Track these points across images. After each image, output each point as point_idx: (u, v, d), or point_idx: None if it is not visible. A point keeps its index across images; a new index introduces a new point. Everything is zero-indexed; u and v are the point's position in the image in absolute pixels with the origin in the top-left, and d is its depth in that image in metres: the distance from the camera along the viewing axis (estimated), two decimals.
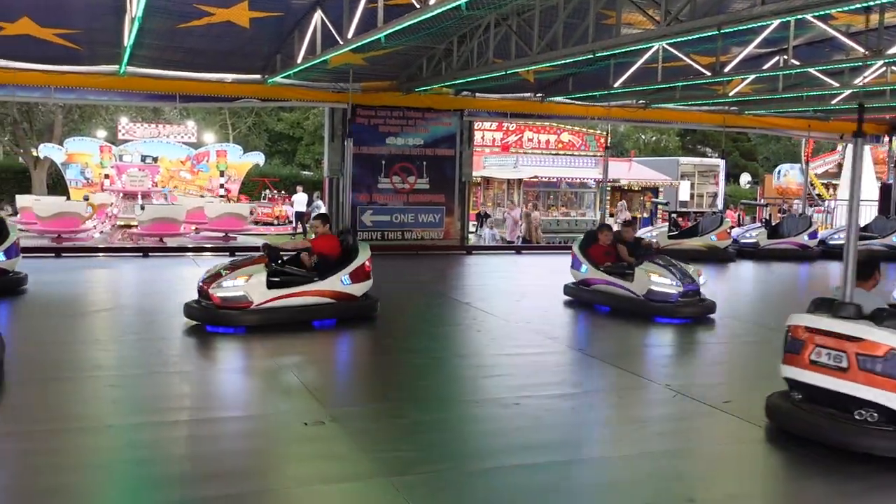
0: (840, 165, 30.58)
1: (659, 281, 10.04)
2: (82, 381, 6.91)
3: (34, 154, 33.20)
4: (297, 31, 12.85)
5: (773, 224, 18.90)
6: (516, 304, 11.37)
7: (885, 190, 21.74)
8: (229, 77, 15.58)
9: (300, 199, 26.99)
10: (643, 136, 52.66)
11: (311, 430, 5.66)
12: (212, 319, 8.52)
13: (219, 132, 40.73)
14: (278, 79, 14.98)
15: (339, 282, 9.03)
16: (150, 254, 16.02)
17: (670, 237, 17.49)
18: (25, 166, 34.87)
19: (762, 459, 5.59)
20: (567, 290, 11.33)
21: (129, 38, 11.44)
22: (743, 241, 18.25)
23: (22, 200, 23.08)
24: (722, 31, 9.28)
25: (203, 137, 34.59)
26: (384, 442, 5.56)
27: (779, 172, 34.43)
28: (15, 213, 23.49)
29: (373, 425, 5.91)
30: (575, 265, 11.19)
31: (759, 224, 19.94)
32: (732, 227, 19.07)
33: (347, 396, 6.87)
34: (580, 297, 11.03)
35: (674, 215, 20.40)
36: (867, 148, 27.14)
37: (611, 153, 31.46)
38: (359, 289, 9.23)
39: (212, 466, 5.02)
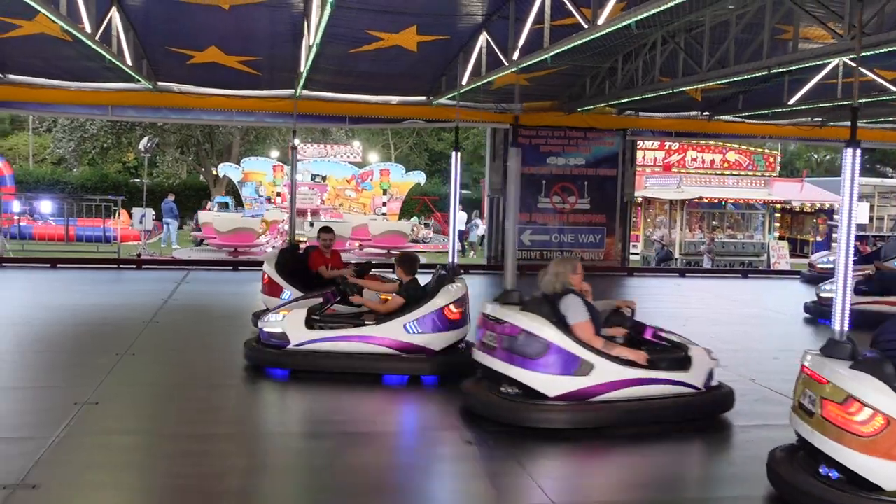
0: None
1: None
2: (252, 388, 7.29)
3: (214, 173, 35.52)
4: (462, 54, 13.08)
5: None
6: (687, 329, 11.02)
7: None
8: (395, 99, 16.07)
9: (460, 218, 27.33)
10: (815, 155, 49.97)
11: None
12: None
13: (381, 151, 42.05)
14: (443, 100, 15.30)
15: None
16: None
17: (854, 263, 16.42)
18: (206, 184, 37.36)
19: None
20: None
21: (305, 64, 12.01)
22: None
23: (204, 216, 24.66)
24: None
25: (367, 157, 35.78)
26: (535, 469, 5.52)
27: None
28: (198, 228, 25.11)
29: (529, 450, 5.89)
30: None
31: None
32: None
33: None
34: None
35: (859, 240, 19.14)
36: None
37: (781, 173, 30.23)
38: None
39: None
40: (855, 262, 16.21)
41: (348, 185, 32.18)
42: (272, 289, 9.14)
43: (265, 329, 7.49)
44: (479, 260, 21.86)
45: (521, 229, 17.08)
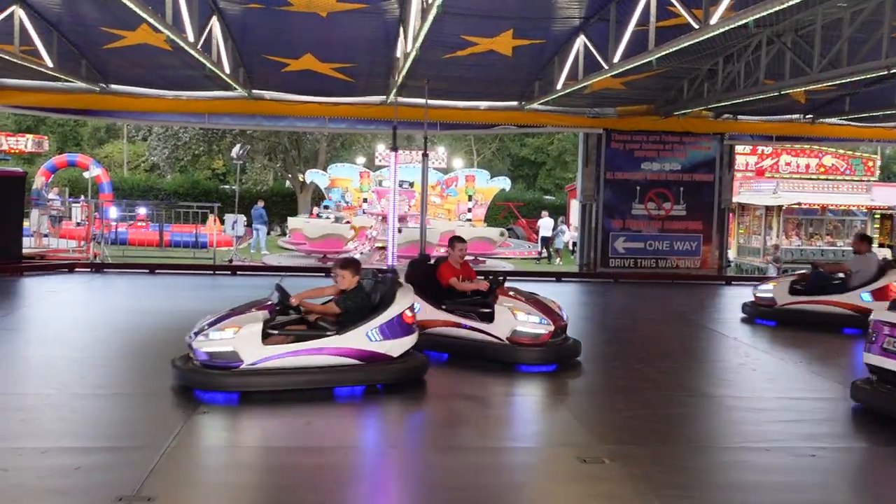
0: None
1: None
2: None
3: (301, 179, 36.05)
4: (556, 58, 12.85)
5: None
6: (788, 341, 10.56)
7: None
8: (487, 104, 15.91)
9: (546, 224, 27.08)
10: None
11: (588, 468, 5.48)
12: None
13: (464, 157, 42.03)
14: (535, 105, 15.08)
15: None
16: None
17: None
18: (292, 190, 37.95)
19: None
20: None
21: (400, 71, 11.98)
22: None
23: (293, 222, 24.99)
24: None
25: (452, 163, 35.79)
26: (668, 487, 5.25)
27: None
28: (284, 234, 25.48)
29: (653, 468, 5.62)
30: None
31: None
32: None
33: (625, 434, 6.61)
34: None
35: None
36: None
37: (877, 178, 28.96)
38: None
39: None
40: None
41: (433, 192, 32.23)
42: None
43: (205, 349, 6.56)
44: (568, 266, 21.52)
45: (615, 236, 16.71)
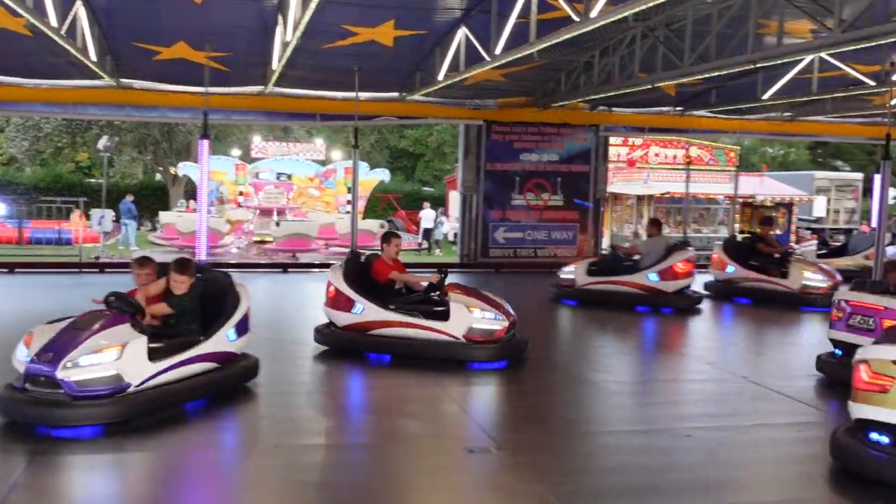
0: None
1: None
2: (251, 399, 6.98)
3: (172, 172, 34.76)
4: (438, 49, 12.85)
5: None
6: (666, 326, 10.97)
7: None
8: (367, 95, 15.72)
9: (427, 216, 27.13)
10: (770, 150, 50.61)
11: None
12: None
13: (343, 149, 41.60)
14: (416, 96, 15.04)
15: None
16: (289, 269, 16.34)
17: (819, 256, 16.57)
18: (164, 183, 36.55)
19: None
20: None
21: (279, 60, 11.69)
22: None
23: (165, 217, 24.06)
24: None
25: (330, 155, 35.34)
26: (554, 474, 5.33)
27: None
28: (155, 229, 24.52)
29: (539, 455, 5.69)
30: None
31: None
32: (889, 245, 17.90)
33: (511, 422, 6.67)
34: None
35: (822, 233, 19.30)
36: None
37: (739, 168, 30.53)
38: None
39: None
40: (824, 255, 16.46)
41: (311, 184, 31.72)
42: (342, 302, 8.28)
43: (74, 378, 5.54)
44: (449, 257, 21.63)
45: (495, 227, 16.91)
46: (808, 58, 12.55)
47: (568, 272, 12.43)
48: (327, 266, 17.06)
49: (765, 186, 30.72)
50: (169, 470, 5.27)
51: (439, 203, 32.69)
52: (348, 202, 30.32)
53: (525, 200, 17.01)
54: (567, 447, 5.95)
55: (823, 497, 5.15)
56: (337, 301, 8.29)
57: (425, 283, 8.32)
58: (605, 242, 26.97)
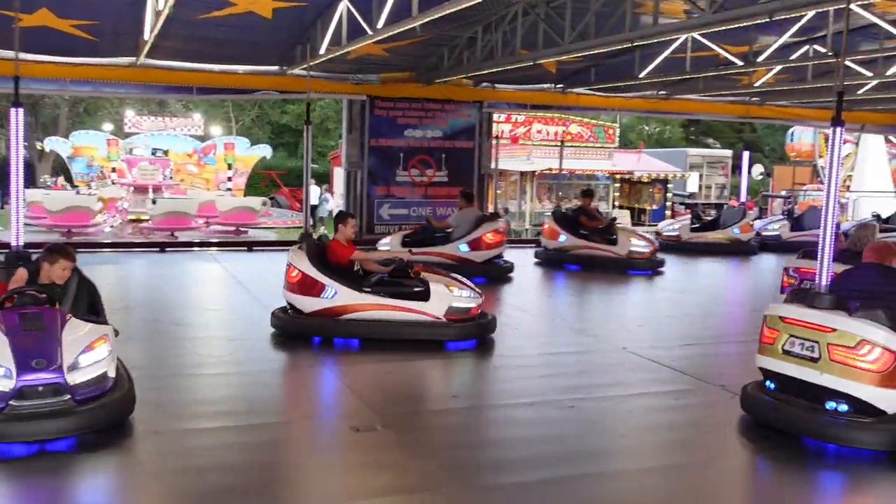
0: (849, 156, 30.25)
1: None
2: None
3: (39, 147, 32.94)
4: (319, 22, 12.56)
5: (795, 216, 18.67)
6: (549, 300, 11.18)
7: None
8: (246, 69, 15.27)
9: (313, 193, 26.73)
10: (647, 128, 52.31)
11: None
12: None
13: (222, 125, 40.42)
14: (297, 70, 14.69)
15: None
16: (167, 249, 15.76)
17: (693, 230, 17.26)
18: (29, 160, 34.57)
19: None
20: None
21: (151, 30, 11.15)
22: (765, 233, 18.01)
23: (32, 195, 22.75)
24: (772, 20, 9.00)
25: (209, 130, 34.30)
26: (439, 449, 5.34)
27: (791, 135, 34.11)
28: None
29: (425, 433, 5.69)
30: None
31: (781, 216, 19.70)
32: (756, 219, 18.83)
33: (397, 401, 6.63)
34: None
35: (695, 208, 20.09)
36: (880, 138, 26.89)
37: (617, 145, 31.44)
38: None
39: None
40: (697, 229, 17.15)
41: (189, 160, 30.71)
42: (309, 287, 7.95)
43: (79, 381, 5.11)
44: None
45: (380, 203, 16.78)
46: (682, 38, 12.93)
47: (384, 244, 12.77)
48: (208, 245, 16.78)
49: (642, 163, 31.77)
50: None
51: (324, 180, 32.24)
52: (229, 179, 29.59)
53: (410, 177, 16.94)
54: (453, 422, 5.96)
55: (699, 461, 5.34)
56: (303, 285, 7.97)
57: (390, 264, 8.23)
58: None
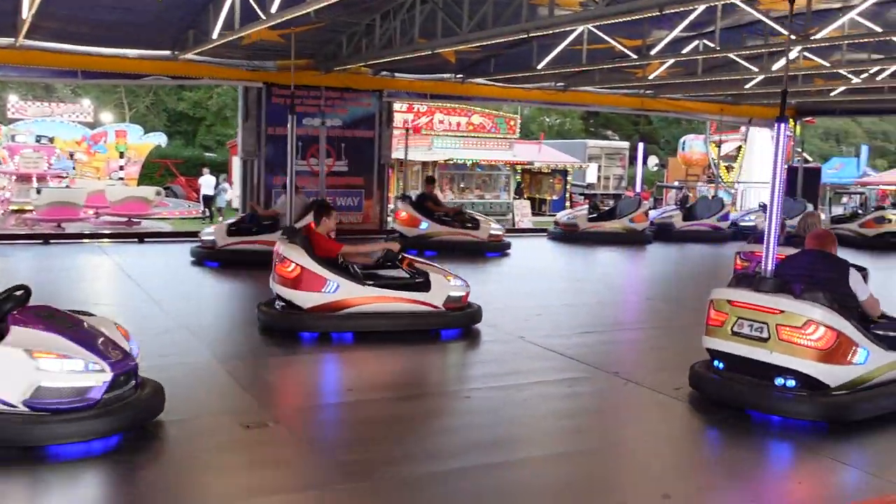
0: (740, 148, 31.43)
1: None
2: None
3: None
4: (212, 5, 12.15)
5: (688, 206, 19.25)
6: None
7: (790, 173, 22.42)
8: (136, 53, 14.67)
9: (207, 182, 26.05)
10: (548, 119, 53.08)
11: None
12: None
13: (114, 111, 38.93)
14: (190, 55, 14.20)
15: None
16: (53, 241, 15.04)
17: (590, 220, 17.57)
18: None
19: (726, 450, 5.50)
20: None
21: (28, 9, 10.56)
22: (659, 222, 18.50)
23: None
24: (662, 14, 9.17)
25: (99, 117, 32.97)
26: (332, 445, 5.23)
27: (683, 143, 35.25)
28: None
29: (317, 427, 5.57)
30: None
31: (675, 206, 20.28)
32: (650, 209, 19.32)
33: (288, 395, 6.48)
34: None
35: (592, 198, 20.47)
36: (767, 131, 28.00)
37: (518, 136, 31.79)
38: None
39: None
40: (595, 219, 17.49)
41: (78, 148, 29.43)
42: (309, 282, 7.66)
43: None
44: None
45: (278, 193, 16.38)
46: (578, 30, 13.09)
47: (208, 233, 12.75)
48: (98, 237, 16.08)
49: (542, 154, 32.22)
50: None
51: (223, 169, 31.46)
52: (121, 168, 28.51)
53: (309, 166, 16.65)
54: (348, 417, 5.85)
55: (596, 448, 5.38)
56: (302, 280, 7.68)
57: (379, 254, 8.17)
58: (392, 208, 27.30)
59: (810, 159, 33.63)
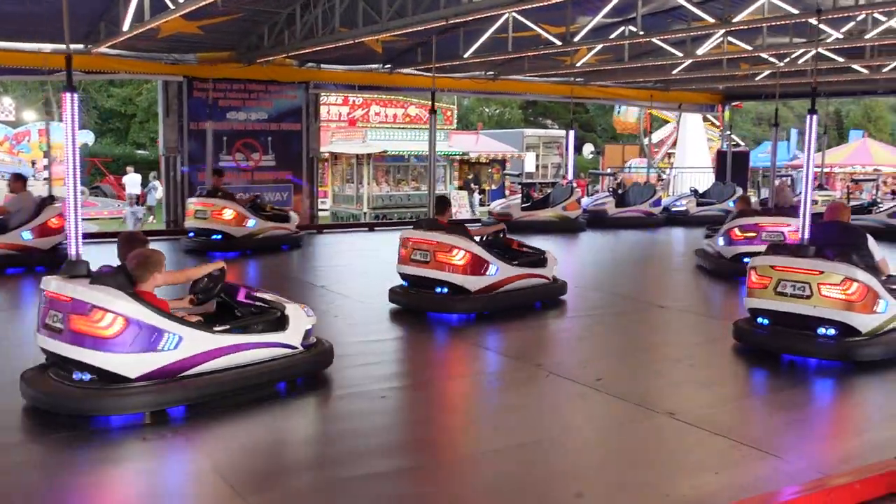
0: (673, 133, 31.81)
1: None
2: None
3: None
4: None
5: (620, 193, 19.29)
6: (373, 286, 10.88)
7: (720, 157, 22.69)
8: (49, 47, 14.07)
9: (132, 181, 25.34)
10: (487, 110, 53.05)
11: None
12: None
13: (40, 110, 37.70)
14: (103, 49, 13.67)
15: None
16: None
17: (523, 209, 17.47)
18: None
19: (644, 442, 5.36)
20: None
21: None
22: (592, 209, 18.51)
23: None
24: None
25: (22, 115, 31.87)
26: (236, 453, 4.97)
27: (619, 109, 35.47)
28: None
29: (219, 438, 5.29)
30: None
31: (608, 193, 20.32)
32: (582, 197, 19.31)
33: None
34: None
35: (525, 187, 20.36)
36: (698, 117, 28.34)
37: (458, 127, 31.64)
38: None
39: None
40: (528, 208, 17.42)
41: (0, 148, 28.45)
42: (477, 266, 8.49)
43: None
44: (160, 225, 20.27)
45: (203, 189, 15.96)
46: (503, 17, 12.94)
47: None
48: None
49: (480, 144, 32.13)
50: None
51: (154, 167, 30.72)
52: (45, 167, 27.57)
53: (234, 161, 16.23)
54: (259, 421, 5.57)
55: (512, 445, 5.18)
56: (473, 266, 8.40)
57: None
58: (329, 203, 26.95)
59: (742, 143, 34.14)
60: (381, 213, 25.10)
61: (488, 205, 25.81)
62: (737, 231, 11.43)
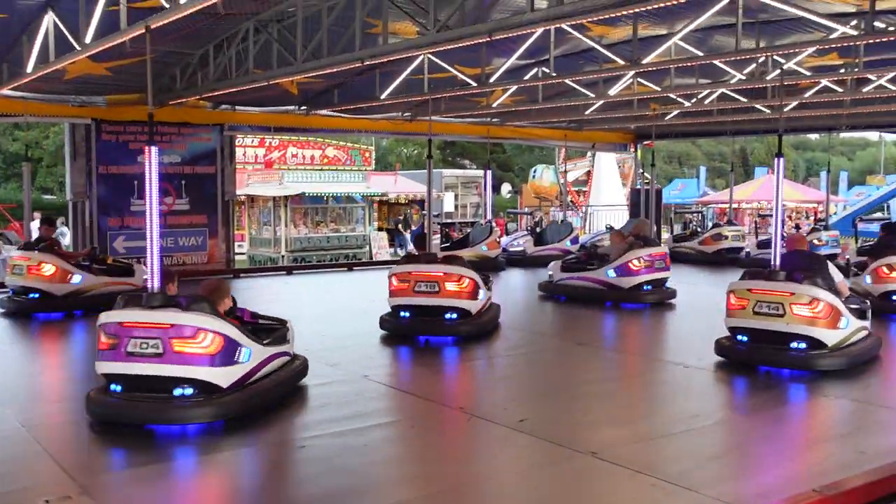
0: (589, 173, 32.43)
1: None
2: None
3: None
4: (25, 37, 11.31)
5: (538, 231, 19.49)
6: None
7: (634, 195, 23.22)
8: None
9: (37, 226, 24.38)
10: (405, 150, 53.33)
11: None
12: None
13: None
14: (7, 91, 13.19)
15: None
16: None
17: (443, 249, 17.45)
18: None
19: (566, 485, 5.30)
20: None
21: None
22: (511, 249, 18.63)
23: None
24: (492, 40, 9.15)
25: None
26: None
27: (534, 173, 36.01)
28: None
29: (128, 490, 5.02)
30: None
31: (526, 232, 20.51)
32: (501, 236, 19.45)
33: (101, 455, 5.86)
34: None
35: (444, 227, 20.42)
36: (612, 156, 29.02)
37: (376, 167, 31.62)
38: None
39: None
40: (447, 248, 17.38)
41: None
42: (476, 292, 9.68)
43: None
44: None
45: (114, 235, 15.48)
46: (419, 58, 13.01)
47: None
48: None
49: (398, 184, 32.16)
50: None
51: (63, 212, 29.72)
52: None
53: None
54: (171, 476, 5.31)
55: (434, 493, 5.05)
56: (472, 292, 9.54)
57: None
58: (246, 247, 26.50)
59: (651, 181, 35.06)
60: (299, 256, 24.80)
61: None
62: (635, 262, 12.36)
